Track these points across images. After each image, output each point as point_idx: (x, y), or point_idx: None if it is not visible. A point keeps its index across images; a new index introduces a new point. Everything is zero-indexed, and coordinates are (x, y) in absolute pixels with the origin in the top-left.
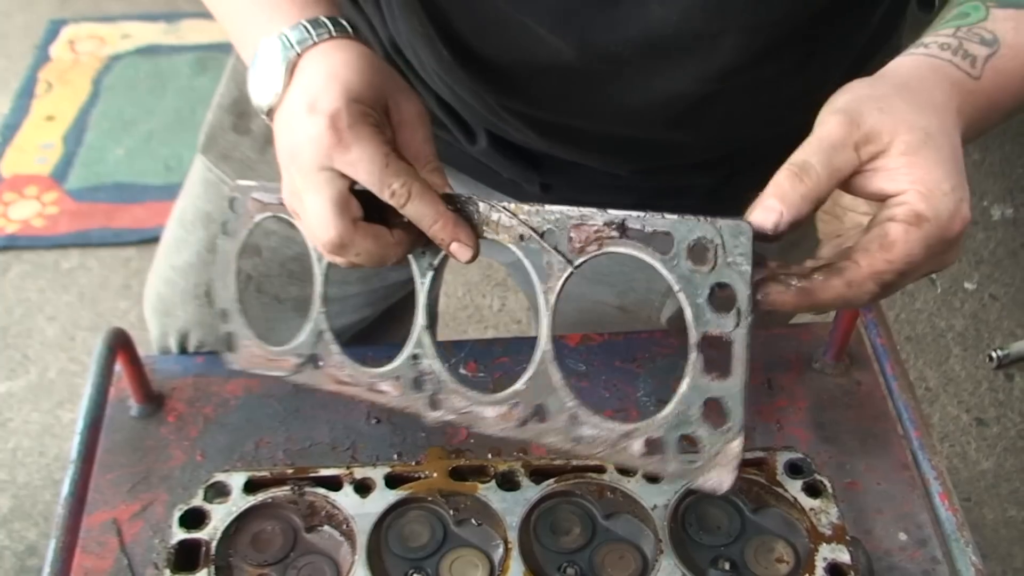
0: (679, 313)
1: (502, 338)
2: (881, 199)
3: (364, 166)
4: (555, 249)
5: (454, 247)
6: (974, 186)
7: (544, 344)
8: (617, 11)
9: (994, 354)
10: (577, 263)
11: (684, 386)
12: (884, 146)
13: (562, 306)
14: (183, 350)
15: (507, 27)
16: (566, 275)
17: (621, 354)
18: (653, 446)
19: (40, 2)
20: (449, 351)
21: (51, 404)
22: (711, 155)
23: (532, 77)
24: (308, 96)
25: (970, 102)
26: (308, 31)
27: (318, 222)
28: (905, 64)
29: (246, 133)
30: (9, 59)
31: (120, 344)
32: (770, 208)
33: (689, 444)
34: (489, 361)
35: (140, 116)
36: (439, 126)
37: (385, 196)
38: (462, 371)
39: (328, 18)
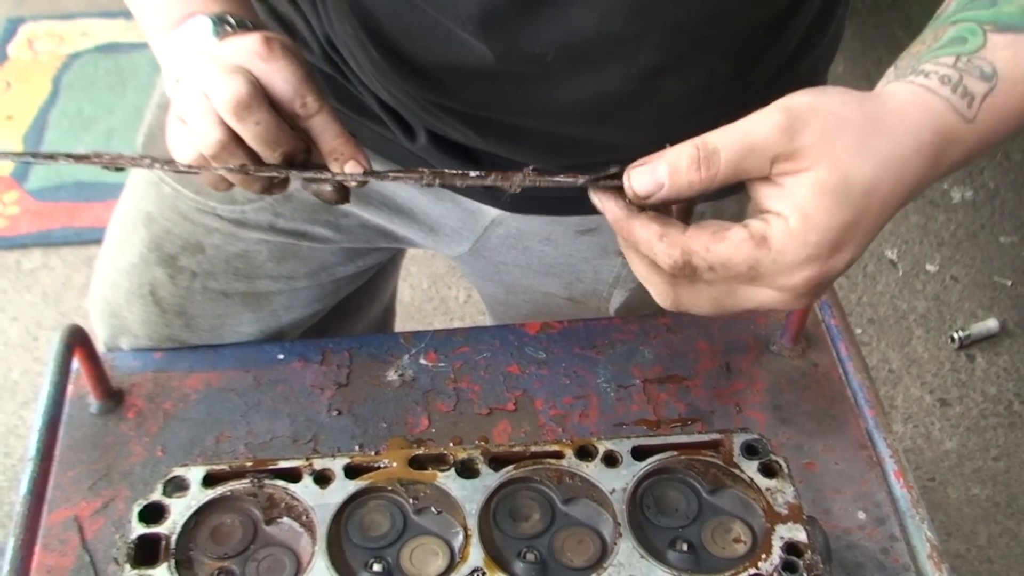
0: (627, 303)
1: (462, 328)
2: (758, 207)
3: (284, 74)
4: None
5: (350, 165)
6: None
7: None
8: (538, 15)
9: (956, 335)
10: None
11: None
12: (798, 170)
13: (513, 299)
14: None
15: (433, 31)
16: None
17: (580, 341)
18: None
19: None
20: (409, 341)
21: (15, 405)
22: (648, 151)
23: (461, 78)
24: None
25: (958, 148)
26: (229, 20)
27: (224, 82)
28: (899, 95)
29: None
30: None
31: (78, 341)
32: (656, 179)
33: None
34: (449, 351)
35: (100, 114)
36: (379, 123)
37: (296, 105)
38: (423, 361)
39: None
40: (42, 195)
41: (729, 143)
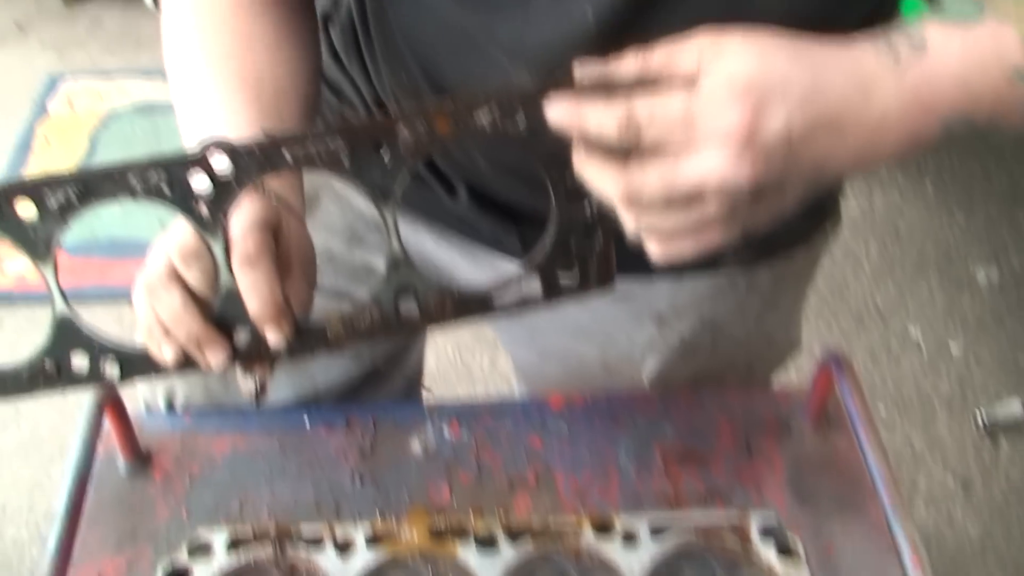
0: (661, 371)
1: (486, 399)
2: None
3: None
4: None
5: (270, 330)
6: (960, 248)
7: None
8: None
9: (980, 418)
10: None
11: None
12: (721, 55)
13: (546, 366)
14: (170, 406)
15: (495, 75)
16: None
17: (602, 415)
18: None
19: (39, 57)
20: (433, 411)
21: (41, 459)
22: None
23: None
24: None
25: (885, 86)
26: None
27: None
28: (823, 42)
29: None
30: (7, 114)
31: (109, 401)
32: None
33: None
34: (473, 422)
35: None
36: (419, 181)
37: (237, 244)
38: (446, 431)
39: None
40: (76, 251)
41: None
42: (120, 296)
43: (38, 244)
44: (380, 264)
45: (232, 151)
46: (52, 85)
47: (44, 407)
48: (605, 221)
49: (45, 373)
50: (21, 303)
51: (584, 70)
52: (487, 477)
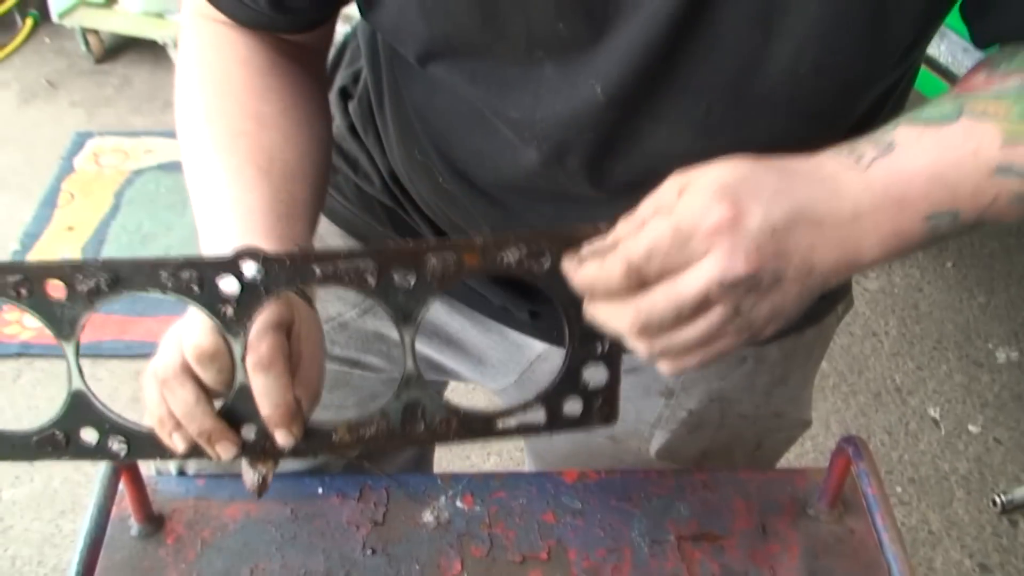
0: (668, 445)
1: (499, 472)
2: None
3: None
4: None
5: (280, 433)
6: (980, 328)
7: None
8: (617, 137)
9: (998, 499)
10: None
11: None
12: (693, 183)
13: (556, 440)
14: (181, 472)
15: (503, 153)
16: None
17: (617, 492)
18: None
19: (68, 114)
20: (447, 483)
21: (53, 513)
22: None
23: (527, 200)
24: None
25: (858, 188)
26: None
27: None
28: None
29: None
30: (35, 169)
31: (125, 465)
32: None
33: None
34: (486, 495)
35: (159, 231)
36: None
37: (253, 347)
38: (459, 503)
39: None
40: None
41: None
42: (138, 352)
43: (63, 323)
44: (392, 332)
45: (264, 260)
46: (80, 142)
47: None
48: (613, 360)
49: (54, 442)
50: (40, 355)
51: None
52: (499, 551)
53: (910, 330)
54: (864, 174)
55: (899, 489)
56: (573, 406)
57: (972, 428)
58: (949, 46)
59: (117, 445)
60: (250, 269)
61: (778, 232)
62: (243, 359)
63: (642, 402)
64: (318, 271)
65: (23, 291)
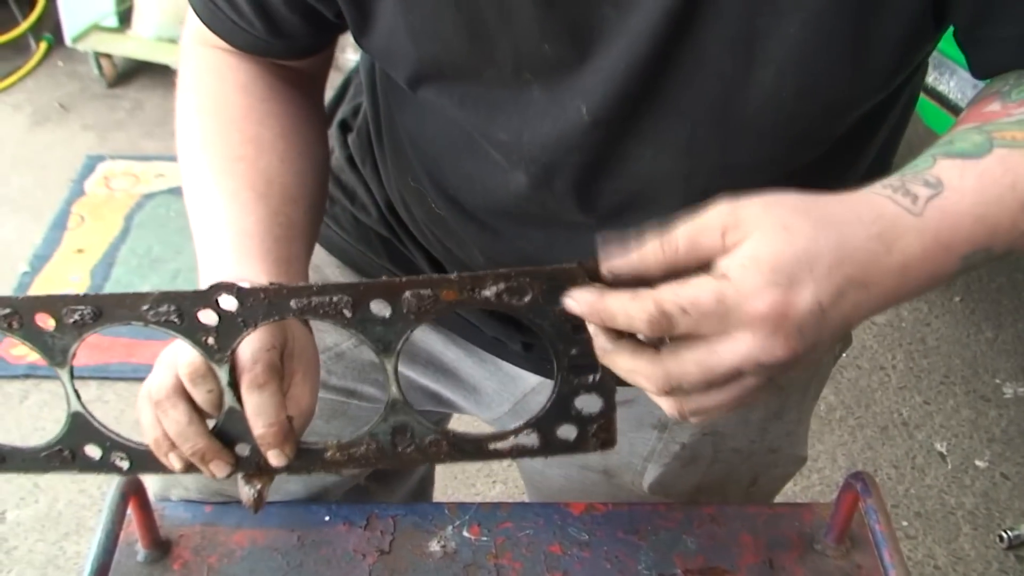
0: (661, 478)
1: (506, 503)
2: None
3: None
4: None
5: (273, 453)
6: (987, 363)
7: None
8: (602, 162)
9: (1005, 534)
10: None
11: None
12: (746, 235)
13: (549, 471)
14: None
15: (492, 177)
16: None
17: (624, 525)
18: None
19: (80, 137)
20: (454, 513)
21: (57, 535)
22: None
23: (516, 225)
24: None
25: (908, 238)
26: None
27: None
28: (840, 194)
29: None
30: (46, 191)
31: (133, 491)
32: (627, 258)
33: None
34: (493, 525)
35: (168, 255)
36: None
37: (247, 368)
38: (465, 533)
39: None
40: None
41: (683, 226)
42: (144, 375)
43: (55, 351)
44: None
45: (239, 294)
46: (91, 166)
47: (63, 482)
48: (607, 389)
49: (61, 457)
50: (46, 377)
51: (611, 265)
52: None
53: (917, 364)
54: (920, 219)
55: (905, 523)
56: (567, 431)
57: (979, 463)
58: (959, 83)
59: (120, 460)
60: (226, 302)
61: (826, 310)
62: (228, 384)
63: (635, 435)
64: (293, 304)
65: (14, 323)
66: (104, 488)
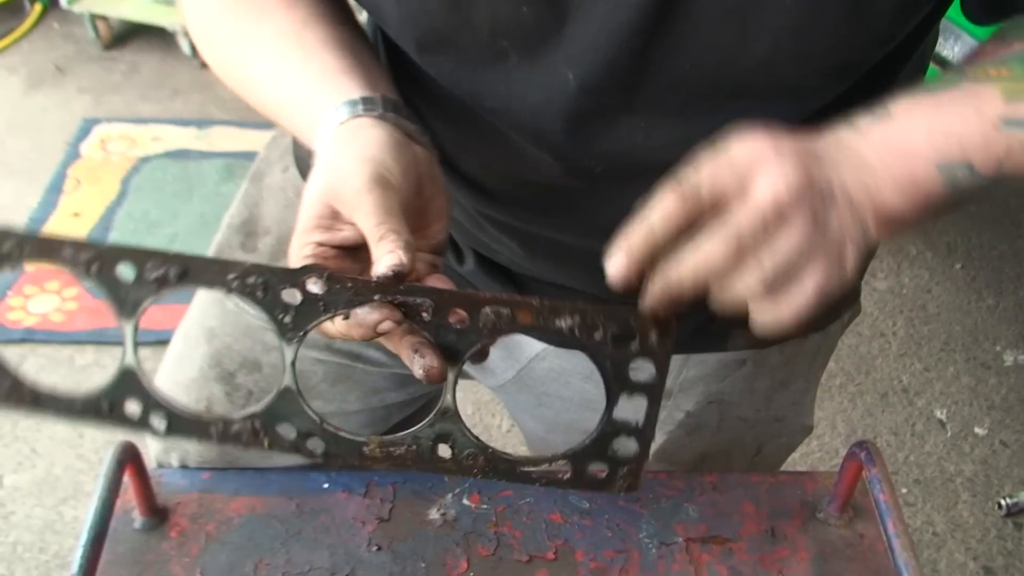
0: (664, 446)
1: None
2: None
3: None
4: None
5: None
6: (988, 330)
7: None
8: (589, 124)
9: (1003, 502)
10: None
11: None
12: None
13: (553, 437)
14: (184, 466)
15: (486, 138)
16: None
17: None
18: None
19: (75, 100)
20: (454, 481)
21: (54, 500)
22: None
23: (511, 188)
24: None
25: (852, 139)
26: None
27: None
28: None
29: (253, 251)
30: (41, 154)
31: (130, 458)
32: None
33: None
34: (493, 494)
35: (165, 218)
36: None
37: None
38: (465, 501)
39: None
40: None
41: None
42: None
43: (127, 303)
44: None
45: (328, 280)
46: (87, 129)
47: (60, 447)
48: (645, 437)
49: (98, 408)
50: (44, 342)
51: (630, 241)
52: (506, 551)
53: (918, 331)
54: (861, 133)
55: (904, 490)
56: (598, 470)
57: (978, 430)
58: (963, 48)
59: (158, 421)
60: (314, 286)
61: (810, 151)
62: (292, 364)
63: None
64: (376, 298)
65: (94, 268)
66: (101, 454)
